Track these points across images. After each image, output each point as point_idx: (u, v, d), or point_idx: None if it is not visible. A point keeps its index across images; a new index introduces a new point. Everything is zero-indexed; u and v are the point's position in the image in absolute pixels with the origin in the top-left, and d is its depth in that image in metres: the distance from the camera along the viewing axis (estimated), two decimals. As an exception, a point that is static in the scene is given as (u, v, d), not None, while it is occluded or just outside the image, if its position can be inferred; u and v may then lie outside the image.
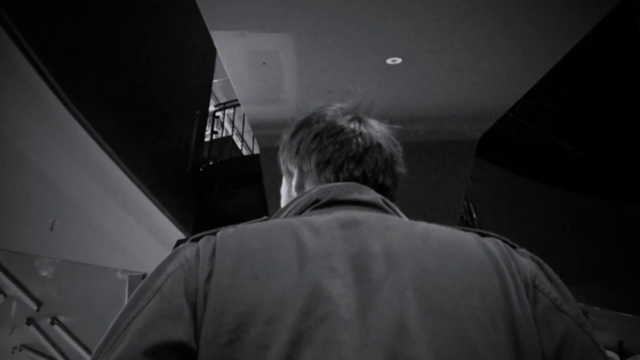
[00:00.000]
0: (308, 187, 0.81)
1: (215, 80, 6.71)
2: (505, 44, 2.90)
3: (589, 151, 4.61)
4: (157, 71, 4.33)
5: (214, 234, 0.65)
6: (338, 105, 0.87)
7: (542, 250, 0.85)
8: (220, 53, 3.04)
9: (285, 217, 0.75)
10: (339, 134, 0.81)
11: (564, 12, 2.60)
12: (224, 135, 8.14)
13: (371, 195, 0.75)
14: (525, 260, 0.66)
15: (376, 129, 0.84)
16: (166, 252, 0.64)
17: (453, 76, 3.26)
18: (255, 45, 2.97)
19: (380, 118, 0.87)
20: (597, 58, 4.64)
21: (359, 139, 0.81)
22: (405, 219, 0.75)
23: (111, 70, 3.47)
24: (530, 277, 0.63)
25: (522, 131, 4.84)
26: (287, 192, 0.88)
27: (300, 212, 0.74)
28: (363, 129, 0.83)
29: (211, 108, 7.05)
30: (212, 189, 5.60)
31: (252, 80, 3.36)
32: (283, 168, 0.89)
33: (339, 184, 0.77)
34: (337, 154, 0.80)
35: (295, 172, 0.85)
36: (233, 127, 7.70)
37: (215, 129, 7.40)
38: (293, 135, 0.87)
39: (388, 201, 0.76)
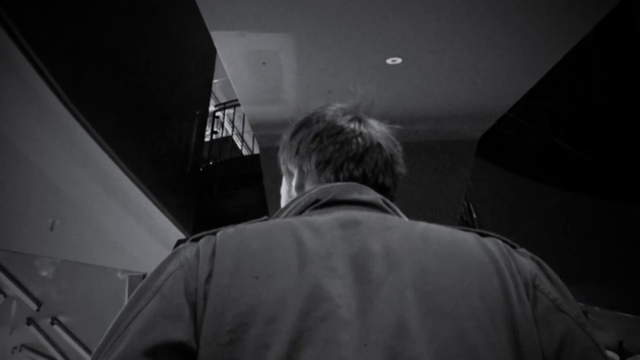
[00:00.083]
0: (308, 187, 0.81)
1: (215, 80, 6.71)
2: (505, 44, 2.90)
3: (589, 151, 4.61)
4: (157, 71, 4.33)
5: (214, 234, 0.65)
6: (338, 105, 0.87)
7: (542, 250, 0.85)
8: (220, 53, 3.04)
9: (285, 217, 0.75)
10: (339, 134, 0.82)
11: (564, 12, 2.60)
12: (224, 135, 8.14)
13: (371, 195, 0.75)
14: (525, 260, 0.66)
15: (376, 129, 0.84)
16: (166, 252, 0.64)
17: (453, 76, 3.26)
18: (255, 45, 2.97)
19: (381, 118, 0.87)
20: (597, 58, 4.64)
21: (359, 139, 0.81)
22: (405, 219, 0.75)
23: (111, 70, 3.47)
24: (530, 277, 0.63)
25: (522, 131, 4.85)
26: (287, 192, 0.88)
27: (300, 212, 0.74)
28: (363, 129, 0.83)
29: (211, 108, 7.05)
30: (212, 189, 5.60)
31: (252, 80, 3.36)
32: (283, 168, 0.89)
33: (339, 184, 0.77)
34: (337, 154, 0.80)
35: (295, 172, 0.85)
36: (233, 127, 7.70)
37: (215, 129, 7.40)
38: (293, 135, 0.87)
39: (388, 201, 0.76)
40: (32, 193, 3.67)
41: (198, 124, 5.65)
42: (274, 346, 0.53)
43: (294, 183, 0.84)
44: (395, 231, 0.65)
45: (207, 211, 5.25)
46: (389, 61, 3.08)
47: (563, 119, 4.91)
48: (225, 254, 0.60)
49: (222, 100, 8.26)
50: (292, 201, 0.77)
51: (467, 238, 0.66)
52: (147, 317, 0.56)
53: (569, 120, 4.91)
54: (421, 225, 0.68)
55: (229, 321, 0.54)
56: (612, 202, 4.53)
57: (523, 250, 0.69)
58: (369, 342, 0.53)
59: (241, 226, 0.66)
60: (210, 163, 6.44)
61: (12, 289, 5.58)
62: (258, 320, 0.54)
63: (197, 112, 5.65)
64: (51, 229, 4.05)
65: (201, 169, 5.87)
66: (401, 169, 0.85)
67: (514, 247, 0.68)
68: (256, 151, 6.73)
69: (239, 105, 4.72)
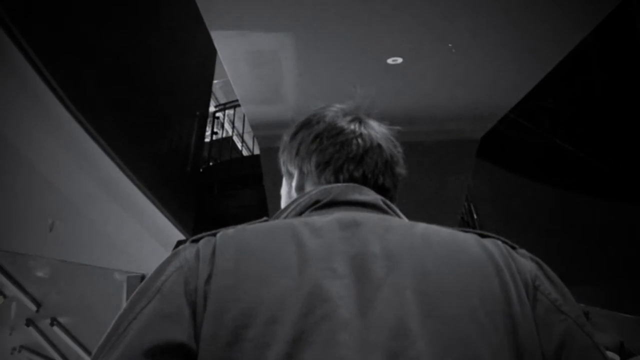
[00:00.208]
0: (308, 188, 0.82)
1: (215, 81, 6.71)
2: (506, 45, 2.90)
3: (589, 151, 4.62)
4: (157, 71, 4.33)
5: (214, 235, 0.65)
6: (338, 106, 0.87)
7: (542, 251, 0.85)
8: (220, 53, 3.04)
9: (285, 218, 0.75)
10: (339, 135, 0.82)
11: (564, 12, 2.60)
12: (224, 135, 8.14)
13: (371, 196, 0.75)
14: (525, 261, 0.66)
15: (376, 129, 0.84)
16: (166, 253, 0.64)
17: (454, 76, 3.26)
18: (255, 45, 2.97)
19: (381, 118, 0.87)
20: (597, 58, 4.64)
21: (359, 140, 0.81)
22: (405, 220, 0.75)
23: (111, 70, 3.48)
24: (530, 278, 0.63)
25: (522, 132, 4.85)
26: (287, 193, 0.88)
27: (301, 213, 0.74)
28: (363, 130, 0.83)
29: (211, 109, 7.06)
30: (212, 189, 5.60)
31: (252, 80, 3.36)
32: (283, 169, 0.89)
33: (339, 185, 0.77)
34: (337, 155, 0.80)
35: (296, 173, 0.85)
36: (233, 127, 7.70)
37: (215, 130, 7.40)
38: (293, 136, 0.87)
39: (388, 202, 0.76)
40: (32, 193, 3.66)
41: (198, 124, 5.66)
42: (274, 346, 0.53)
43: (294, 184, 0.84)
44: (395, 232, 0.65)
45: (207, 212, 5.25)
46: (389, 61, 3.08)
47: (563, 119, 4.92)
48: (225, 255, 0.60)
49: (222, 101, 8.26)
50: (292, 202, 0.77)
51: (467, 239, 0.66)
52: (147, 317, 0.56)
53: (569, 120, 4.91)
54: (421, 226, 0.68)
55: (229, 322, 0.55)
56: (612, 202, 4.54)
57: (523, 251, 0.69)
58: (369, 342, 0.53)
59: (241, 227, 0.66)
60: (210, 164, 6.44)
61: (11, 289, 5.57)
62: (258, 320, 0.54)
63: (197, 113, 5.66)
64: (50, 229, 4.04)
65: (201, 170, 5.87)
66: (401, 169, 0.85)
67: (513, 248, 0.69)
68: (256, 152, 6.72)
69: (239, 105, 4.73)
